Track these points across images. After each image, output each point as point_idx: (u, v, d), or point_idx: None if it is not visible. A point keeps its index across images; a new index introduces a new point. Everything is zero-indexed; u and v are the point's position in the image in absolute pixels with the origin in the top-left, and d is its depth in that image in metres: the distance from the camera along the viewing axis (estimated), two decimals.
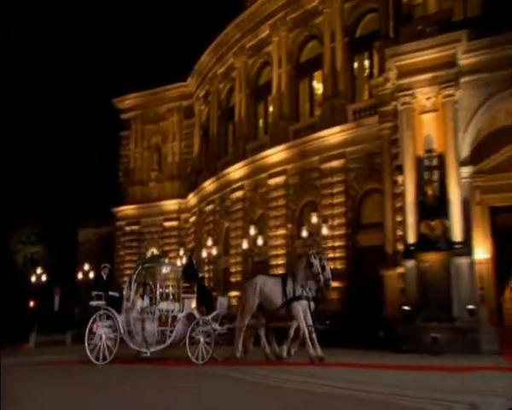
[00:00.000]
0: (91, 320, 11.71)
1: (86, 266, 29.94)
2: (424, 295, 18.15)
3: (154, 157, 38.09)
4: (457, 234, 18.44)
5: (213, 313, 12.55)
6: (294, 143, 26.52)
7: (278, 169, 27.15)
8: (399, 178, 20.24)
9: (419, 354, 14.95)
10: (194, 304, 12.65)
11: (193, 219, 35.26)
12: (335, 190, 24.88)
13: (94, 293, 12.43)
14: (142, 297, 12.74)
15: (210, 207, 32.54)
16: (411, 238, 19.04)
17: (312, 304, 12.30)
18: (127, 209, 37.84)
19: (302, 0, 27.11)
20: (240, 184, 29.43)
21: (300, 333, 11.92)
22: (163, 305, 12.01)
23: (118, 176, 39.90)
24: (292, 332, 12.23)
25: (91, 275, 27.86)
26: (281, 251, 26.55)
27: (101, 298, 12.12)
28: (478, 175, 21.46)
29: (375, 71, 23.99)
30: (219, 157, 32.47)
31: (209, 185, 32.29)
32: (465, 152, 19.34)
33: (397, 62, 19.87)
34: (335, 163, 24.95)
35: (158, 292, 12.32)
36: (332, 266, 23.90)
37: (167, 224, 36.81)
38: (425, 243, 18.51)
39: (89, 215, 42.16)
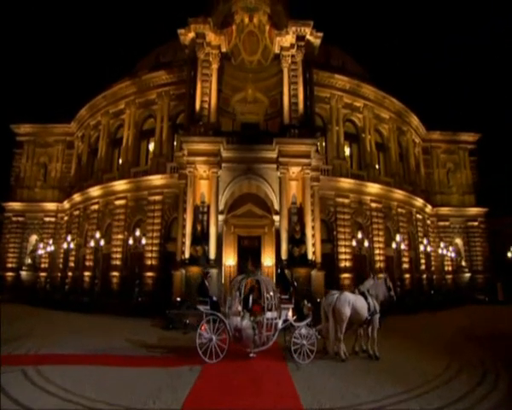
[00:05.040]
0: (201, 323, 9.25)
1: None
2: (189, 291, 18.40)
3: (40, 171, 34.38)
4: (212, 255, 19.80)
5: (307, 320, 9.82)
6: (133, 180, 26.44)
7: (122, 195, 26.81)
8: (185, 216, 20.83)
9: (178, 331, 14.10)
10: (290, 312, 10.06)
11: (66, 218, 32.75)
12: (155, 214, 25.32)
13: (199, 299, 9.78)
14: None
15: (77, 212, 30.63)
16: (187, 254, 19.80)
17: None
18: (15, 205, 33.57)
19: (146, 92, 27.28)
20: (96, 200, 28.34)
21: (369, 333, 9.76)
22: (269, 314, 9.50)
23: (10, 180, 35.23)
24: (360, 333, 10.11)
25: None
26: (119, 249, 26.16)
27: (206, 303, 9.54)
28: (233, 217, 23.55)
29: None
30: (87, 179, 30.71)
31: (77, 197, 30.39)
32: (221, 206, 21.10)
33: (187, 146, 20.80)
34: (157, 197, 25.40)
35: (266, 303, 9.55)
36: (150, 263, 25.31)
37: (47, 219, 33.46)
38: (192, 259, 19.44)
39: None
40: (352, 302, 9.43)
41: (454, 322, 17.65)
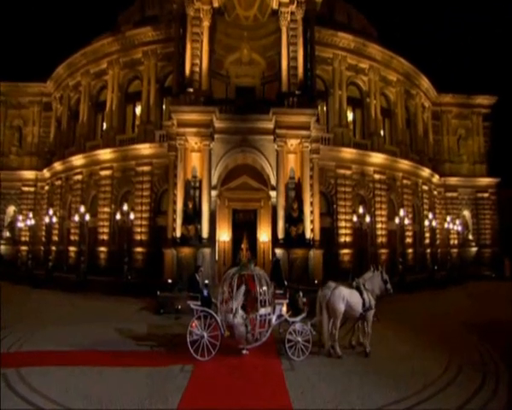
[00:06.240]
0: (192, 320, 9.32)
1: None
2: (180, 272, 18.65)
3: (15, 136, 33.38)
4: (205, 233, 19.66)
5: (302, 315, 9.84)
6: (119, 149, 25.91)
7: (107, 165, 26.37)
8: (176, 191, 20.56)
9: (170, 316, 14.24)
10: (284, 308, 10.13)
11: (46, 188, 32.35)
12: (144, 186, 25.04)
13: (189, 294, 9.93)
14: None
15: (58, 182, 30.23)
16: (178, 233, 19.65)
17: None
18: None
19: (130, 51, 26.17)
20: (79, 170, 27.90)
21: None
22: (262, 311, 9.48)
23: None
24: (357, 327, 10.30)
25: None
26: (106, 223, 26.13)
27: (196, 299, 9.58)
28: (227, 190, 23.54)
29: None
30: (68, 146, 30.00)
31: (58, 166, 29.89)
32: (214, 181, 20.78)
33: (176, 116, 20.20)
34: (145, 168, 25.02)
35: (258, 299, 9.51)
36: (139, 238, 25.32)
37: (25, 188, 32.87)
38: (184, 239, 19.34)
39: None
40: (347, 298, 9.48)
41: (455, 305, 18.02)
